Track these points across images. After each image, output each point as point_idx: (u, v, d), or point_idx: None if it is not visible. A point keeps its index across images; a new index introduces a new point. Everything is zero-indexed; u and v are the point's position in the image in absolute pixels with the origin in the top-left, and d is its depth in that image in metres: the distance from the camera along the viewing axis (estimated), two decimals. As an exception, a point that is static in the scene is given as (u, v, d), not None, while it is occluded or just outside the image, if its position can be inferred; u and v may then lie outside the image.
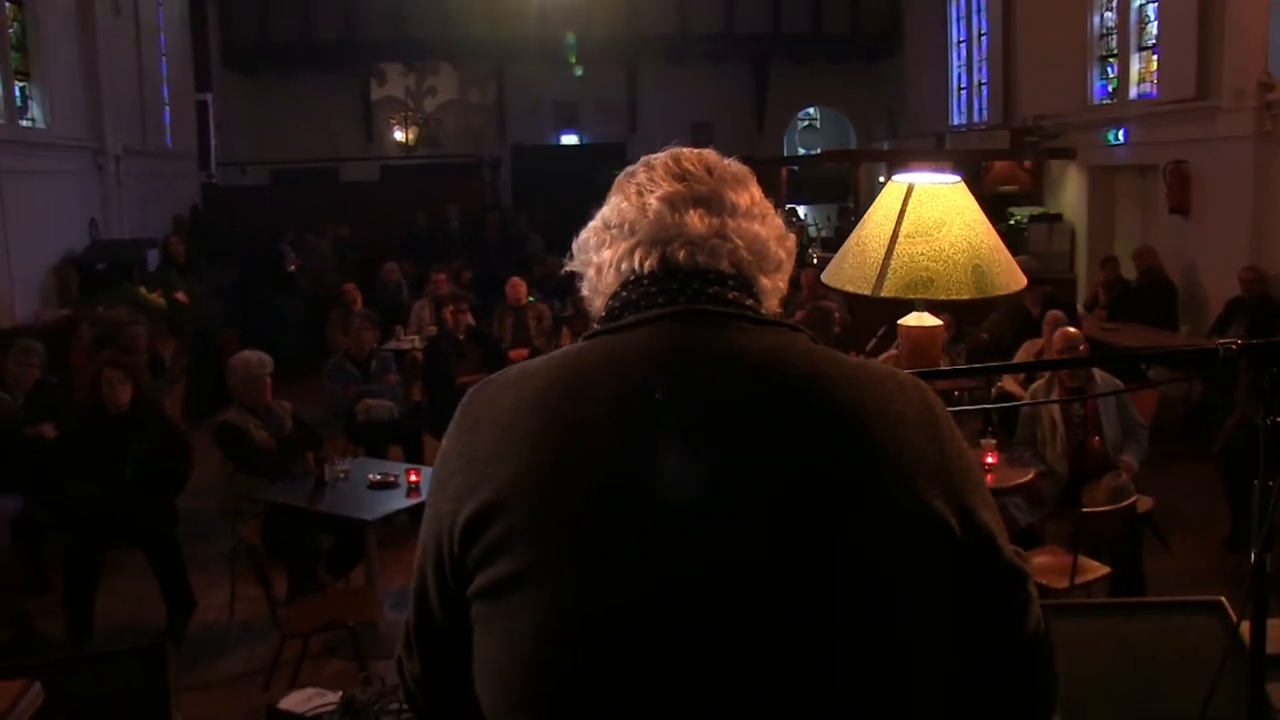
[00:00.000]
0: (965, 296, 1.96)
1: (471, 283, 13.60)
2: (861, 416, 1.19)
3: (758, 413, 1.18)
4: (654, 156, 1.39)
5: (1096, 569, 5.42)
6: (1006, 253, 2.04)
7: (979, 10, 16.17)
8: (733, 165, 1.39)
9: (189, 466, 6.43)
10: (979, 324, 10.30)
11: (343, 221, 15.38)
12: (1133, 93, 12.49)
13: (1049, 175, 14.24)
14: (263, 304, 13.27)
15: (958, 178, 2.09)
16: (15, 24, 11.38)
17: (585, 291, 1.38)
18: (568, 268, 1.40)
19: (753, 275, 1.32)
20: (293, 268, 13.80)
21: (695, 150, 1.40)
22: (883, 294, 1.97)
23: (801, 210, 19.51)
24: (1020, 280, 2.02)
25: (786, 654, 1.13)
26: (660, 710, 1.13)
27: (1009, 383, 8.38)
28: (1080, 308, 11.32)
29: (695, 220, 1.29)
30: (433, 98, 20.34)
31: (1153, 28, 12.00)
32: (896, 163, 17.00)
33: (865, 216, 2.09)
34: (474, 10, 18.03)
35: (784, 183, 17.49)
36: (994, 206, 14.31)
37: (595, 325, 1.32)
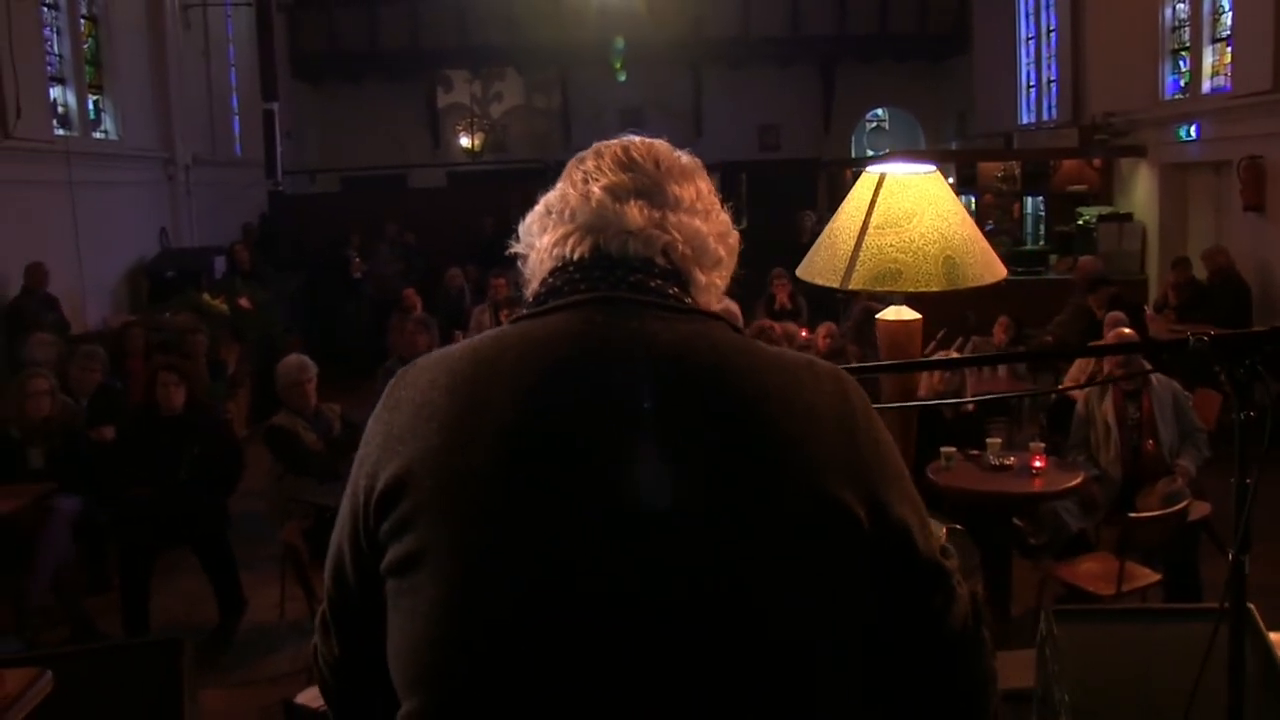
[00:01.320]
0: (935, 288, 1.91)
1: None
2: (766, 407, 1.18)
3: (660, 400, 1.17)
4: (606, 144, 1.39)
5: (1147, 576, 5.29)
6: (983, 243, 1.98)
7: (1048, 6, 15.89)
8: (682, 158, 1.39)
9: (240, 469, 6.53)
10: (1043, 326, 10.13)
11: (410, 228, 15.53)
12: (1205, 86, 12.18)
13: (1119, 174, 13.94)
14: (328, 310, 13.46)
15: (932, 167, 2.04)
16: (90, 39, 11.70)
17: (526, 275, 1.38)
18: (512, 250, 1.40)
19: (687, 269, 1.31)
20: (358, 274, 13.97)
21: (647, 141, 1.39)
22: (850, 286, 1.93)
23: (870, 212, 19.34)
24: (998, 272, 1.96)
25: (682, 639, 1.12)
26: (551, 695, 1.12)
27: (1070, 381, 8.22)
28: (1150, 309, 11.05)
29: (635, 212, 1.30)
30: (499, 104, 20.50)
31: (1227, 19, 11.68)
32: (963, 163, 16.81)
33: (840, 208, 2.06)
34: (539, 16, 18.12)
35: (847, 184, 17.32)
36: (1062, 206, 14.07)
37: (522, 310, 1.32)
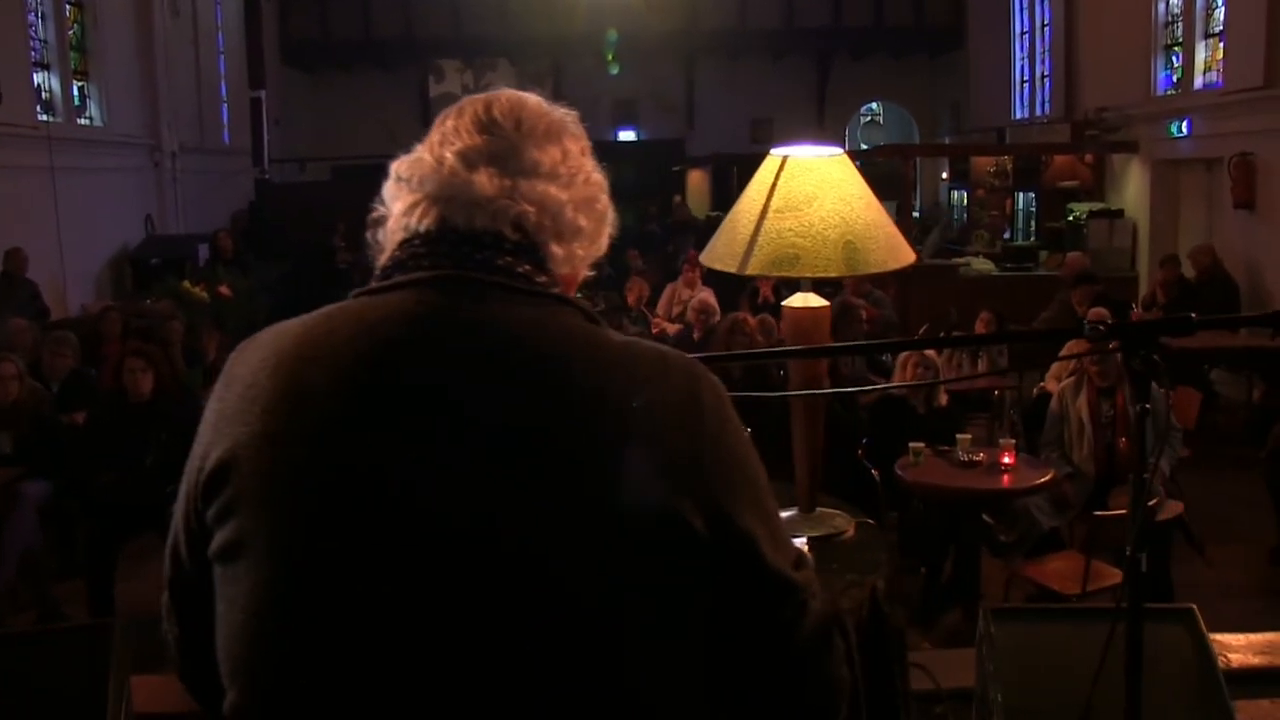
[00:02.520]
0: (834, 274, 1.86)
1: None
2: (596, 403, 1.11)
3: (485, 392, 1.11)
4: (471, 100, 1.32)
5: (1115, 575, 5.22)
6: (889, 229, 1.93)
7: (1042, 1, 15.82)
8: (553, 115, 1.31)
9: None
10: (1029, 323, 10.08)
11: (404, 218, 15.48)
12: (1198, 82, 12.12)
13: (1111, 170, 13.87)
14: (312, 299, 13.33)
15: (840, 150, 1.98)
16: (75, 25, 11.66)
17: (380, 244, 1.29)
18: (373, 215, 1.31)
19: (542, 241, 1.23)
20: (344, 264, 13.92)
21: (514, 97, 1.32)
22: (748, 271, 1.88)
23: (863, 207, 19.27)
24: (903, 258, 1.91)
25: (492, 643, 1.07)
26: (359, 693, 1.09)
27: (1051, 383, 8.18)
28: (1138, 307, 10.99)
29: (484, 180, 1.21)
30: (490, 94, 20.43)
31: (1219, 14, 11.62)
32: (956, 157, 16.77)
33: (744, 192, 2.00)
34: (532, 7, 18.06)
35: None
36: (1054, 202, 14.02)
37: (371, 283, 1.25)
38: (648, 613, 1.11)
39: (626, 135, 20.46)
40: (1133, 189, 13.40)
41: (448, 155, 1.24)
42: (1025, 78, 16.74)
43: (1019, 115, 16.84)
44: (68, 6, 11.29)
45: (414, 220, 1.23)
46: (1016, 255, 13.49)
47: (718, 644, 1.17)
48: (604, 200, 1.33)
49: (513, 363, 1.13)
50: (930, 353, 6.61)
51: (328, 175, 18.66)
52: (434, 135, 1.30)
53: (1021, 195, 15.59)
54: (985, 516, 5.91)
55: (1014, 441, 5.89)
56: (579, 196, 1.28)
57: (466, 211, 1.21)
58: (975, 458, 5.76)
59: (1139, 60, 13.03)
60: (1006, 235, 15.13)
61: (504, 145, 1.24)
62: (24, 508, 6.15)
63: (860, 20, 18.92)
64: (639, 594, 1.10)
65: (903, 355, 6.78)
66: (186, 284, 10.61)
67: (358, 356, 1.14)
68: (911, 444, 5.80)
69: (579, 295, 1.36)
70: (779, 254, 1.85)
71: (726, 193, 19.55)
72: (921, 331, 9.53)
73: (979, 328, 8.80)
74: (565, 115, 1.34)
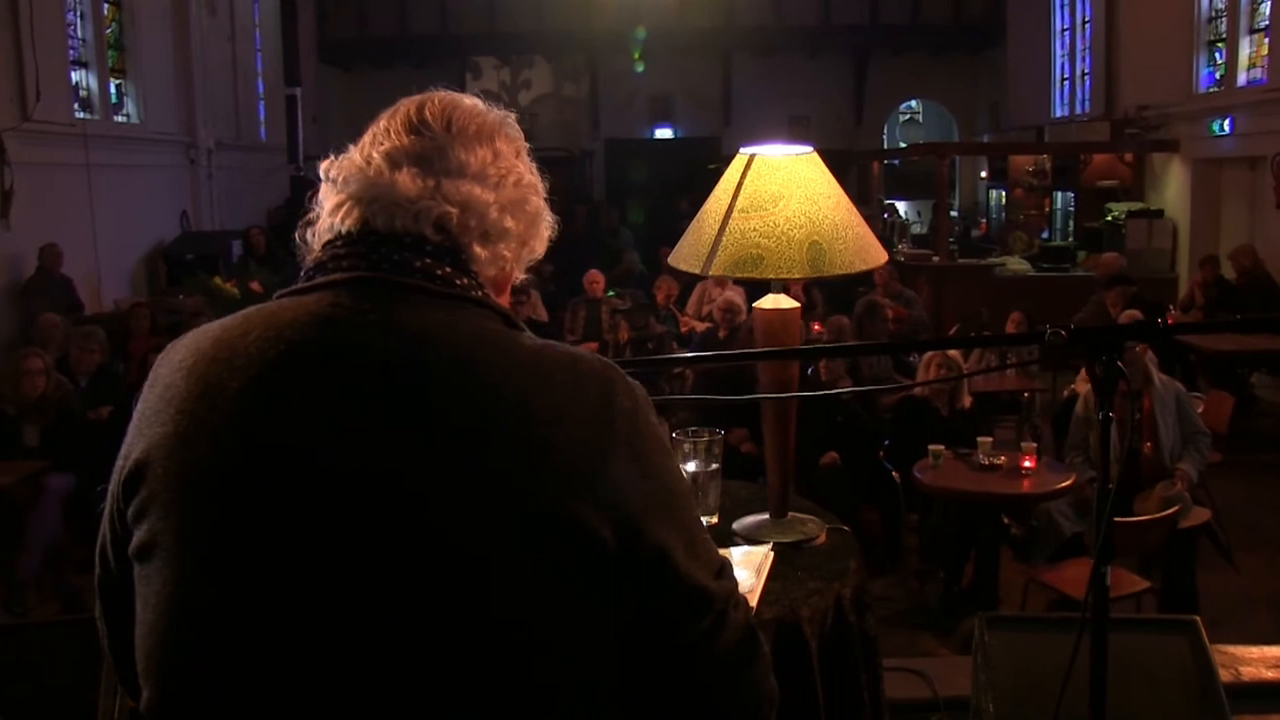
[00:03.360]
0: (798, 275, 1.82)
1: (553, 275, 13.61)
2: (495, 409, 1.10)
3: (388, 395, 1.11)
4: (409, 100, 1.32)
5: (1136, 583, 5.14)
6: (859, 229, 1.88)
7: (1084, -3, 15.63)
8: (485, 117, 1.31)
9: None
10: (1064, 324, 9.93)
11: (438, 215, 15.52)
12: (1241, 79, 11.93)
13: (1151, 169, 13.67)
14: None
15: (809, 148, 1.94)
16: (113, 24, 11.80)
17: (310, 243, 1.30)
18: (307, 216, 1.31)
19: (465, 242, 1.23)
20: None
21: (449, 98, 1.31)
22: (711, 272, 1.84)
23: (901, 206, 19.12)
24: (872, 259, 1.87)
25: (391, 647, 1.07)
26: (267, 691, 1.09)
27: (1080, 385, 8.07)
28: (1176, 309, 10.82)
29: (406, 180, 1.21)
30: (527, 91, 20.43)
31: (1265, 9, 11.41)
32: (995, 156, 16.59)
33: (712, 191, 1.97)
34: (568, 4, 18.06)
35: (877, 176, 17.14)
36: (1092, 202, 13.83)
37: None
38: (552, 620, 1.09)
39: (663, 133, 20.38)
40: (1173, 189, 13.20)
41: (375, 155, 1.25)
42: (1065, 75, 16.52)
43: (1058, 113, 16.63)
44: (106, 5, 11.42)
45: (338, 220, 1.24)
46: (1053, 255, 13.31)
47: (634, 654, 1.15)
48: (535, 202, 1.32)
49: (416, 366, 1.12)
50: (954, 353, 6.53)
51: (364, 172, 18.74)
52: (367, 135, 1.30)
53: (1060, 195, 15.41)
54: (1004, 517, 5.84)
55: (1035, 445, 5.81)
56: (507, 198, 1.27)
57: (388, 212, 1.21)
58: (996, 461, 5.68)
59: (1181, 57, 12.84)
60: (1044, 235, 14.95)
61: (431, 146, 1.25)
62: (49, 500, 6.24)
63: (897, 17, 18.72)
64: (541, 602, 1.08)
65: (927, 356, 6.71)
66: (218, 280, 10.70)
67: (266, 359, 1.14)
68: (931, 446, 5.73)
69: (511, 298, 1.35)
70: (742, 255, 1.82)
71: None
72: (952, 332, 9.42)
73: (1009, 329, 8.70)
74: (501, 117, 1.34)
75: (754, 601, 1.70)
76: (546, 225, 1.36)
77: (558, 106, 20.30)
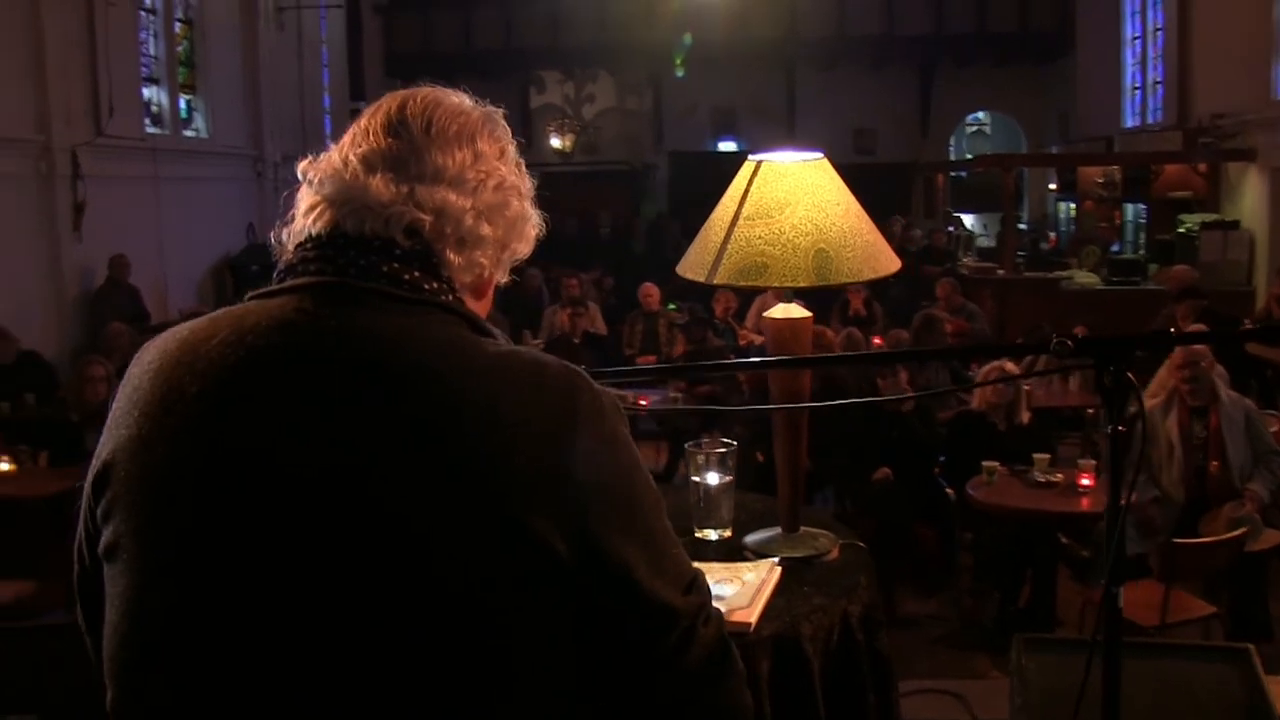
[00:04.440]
0: (803, 283, 1.77)
1: (614, 289, 13.62)
2: (452, 415, 1.09)
3: (343, 401, 1.10)
4: (393, 96, 1.31)
5: (1201, 608, 4.97)
6: (869, 237, 1.83)
7: (1155, 4, 15.30)
8: (468, 117, 1.28)
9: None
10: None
11: (498, 227, 15.57)
12: (1321, 86, 11.61)
13: (1226, 179, 13.33)
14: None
15: (819, 154, 1.90)
16: (184, 42, 12.05)
17: (285, 245, 1.29)
18: (287, 215, 1.31)
19: (438, 249, 1.22)
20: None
21: (432, 96, 1.29)
22: (716, 281, 1.80)
23: (969, 219, 18.89)
24: (882, 268, 1.81)
25: (344, 655, 1.07)
26: (227, 697, 1.10)
27: (1147, 399, 7.87)
28: (1251, 323, 10.52)
29: (379, 185, 1.21)
30: (591, 105, 20.52)
31: (1345, 13, 11.11)
32: (1063, 167, 16.31)
33: (720, 200, 1.94)
34: (631, 17, 18.09)
35: (942, 189, 16.95)
36: (1165, 213, 13.53)
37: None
38: (506, 629, 1.08)
39: (726, 146, 20.32)
40: (1249, 199, 12.86)
41: (352, 158, 1.24)
42: (1136, 84, 16.21)
43: (1129, 123, 16.30)
44: (177, 24, 11.68)
45: (309, 222, 1.24)
46: (1123, 268, 13.03)
47: (599, 670, 1.14)
48: (516, 206, 1.30)
49: (372, 372, 1.11)
50: (1011, 367, 6.40)
51: (430, 185, 18.92)
52: (348, 135, 1.29)
53: (1131, 206, 15.10)
54: (1062, 537, 5.70)
55: (1094, 462, 5.68)
56: (485, 203, 1.25)
57: (358, 216, 1.20)
58: (1052, 478, 5.57)
59: (1257, 64, 12.51)
60: (1115, 248, 14.67)
61: (407, 149, 1.23)
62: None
63: (963, 27, 18.47)
64: (495, 611, 1.07)
65: (984, 368, 6.59)
66: (280, 291, 10.83)
67: (226, 364, 1.15)
68: (985, 463, 5.63)
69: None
70: (747, 263, 1.78)
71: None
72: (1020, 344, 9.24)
73: (1072, 343, 8.52)
74: (484, 115, 1.32)
75: (753, 617, 1.65)
76: (532, 226, 1.34)
77: (621, 120, 20.36)
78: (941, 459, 6.41)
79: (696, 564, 1.87)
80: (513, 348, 1.18)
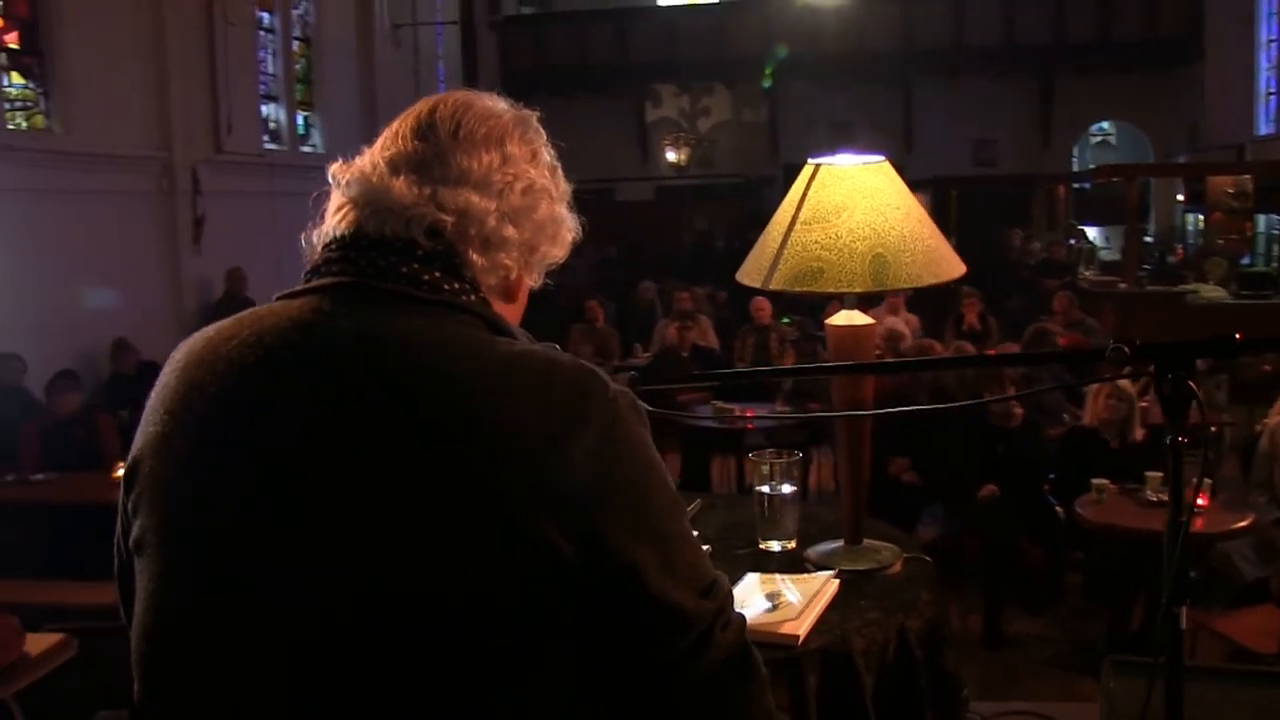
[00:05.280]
0: (859, 289, 1.73)
1: (727, 303, 13.57)
2: (458, 416, 1.08)
3: (350, 401, 1.11)
4: (428, 100, 1.32)
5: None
6: (930, 242, 1.78)
7: (1291, 7, 14.75)
8: (499, 120, 1.29)
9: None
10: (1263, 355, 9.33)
11: (614, 241, 15.63)
12: None
13: (1367, 188, 12.78)
14: (520, 319, 13.69)
15: (880, 158, 1.85)
16: (302, 60, 12.40)
17: (314, 245, 1.31)
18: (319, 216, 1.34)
19: (461, 250, 1.22)
20: (550, 284, 14.16)
21: (463, 100, 1.30)
22: (771, 286, 1.77)
23: (1093, 231, 18.39)
24: (944, 273, 1.75)
25: (345, 655, 1.07)
26: (236, 689, 1.12)
27: (1273, 417, 7.57)
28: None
29: (402, 186, 1.21)
30: (706, 118, 20.50)
31: None
32: (1191, 177, 15.77)
33: (780, 204, 1.90)
34: (747, 30, 18.06)
35: (1063, 200, 16.52)
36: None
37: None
38: (511, 633, 1.07)
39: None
40: (1391, 209, 12.31)
41: (380, 161, 1.26)
42: (1270, 90, 15.61)
43: (1262, 131, 15.71)
44: (295, 43, 12.02)
45: (335, 223, 1.25)
46: (1254, 281, 12.53)
47: (612, 674, 1.12)
48: (546, 208, 1.30)
49: (381, 372, 1.12)
50: (1124, 383, 6.19)
51: (545, 198, 19.09)
52: (380, 139, 1.31)
53: (1263, 218, 14.54)
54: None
55: (1210, 482, 5.46)
56: (511, 206, 1.25)
57: (379, 217, 1.21)
58: (1164, 497, 5.34)
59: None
60: (1245, 260, 14.13)
61: (433, 152, 1.24)
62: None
63: (1085, 35, 17.94)
64: (500, 613, 1.06)
65: (1095, 385, 6.40)
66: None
67: (244, 363, 1.17)
68: (1094, 480, 5.45)
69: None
70: (802, 268, 1.74)
71: (946, 216, 19.00)
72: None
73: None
74: (516, 118, 1.32)
75: (802, 629, 1.61)
76: (567, 230, 1.34)
77: (737, 133, 20.30)
78: (1051, 476, 6.24)
79: (754, 574, 1.86)
80: (528, 347, 1.17)
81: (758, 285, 1.80)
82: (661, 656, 1.11)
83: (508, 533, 1.05)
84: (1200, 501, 5.26)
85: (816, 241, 1.76)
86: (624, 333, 11.86)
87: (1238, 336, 1.41)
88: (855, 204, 1.76)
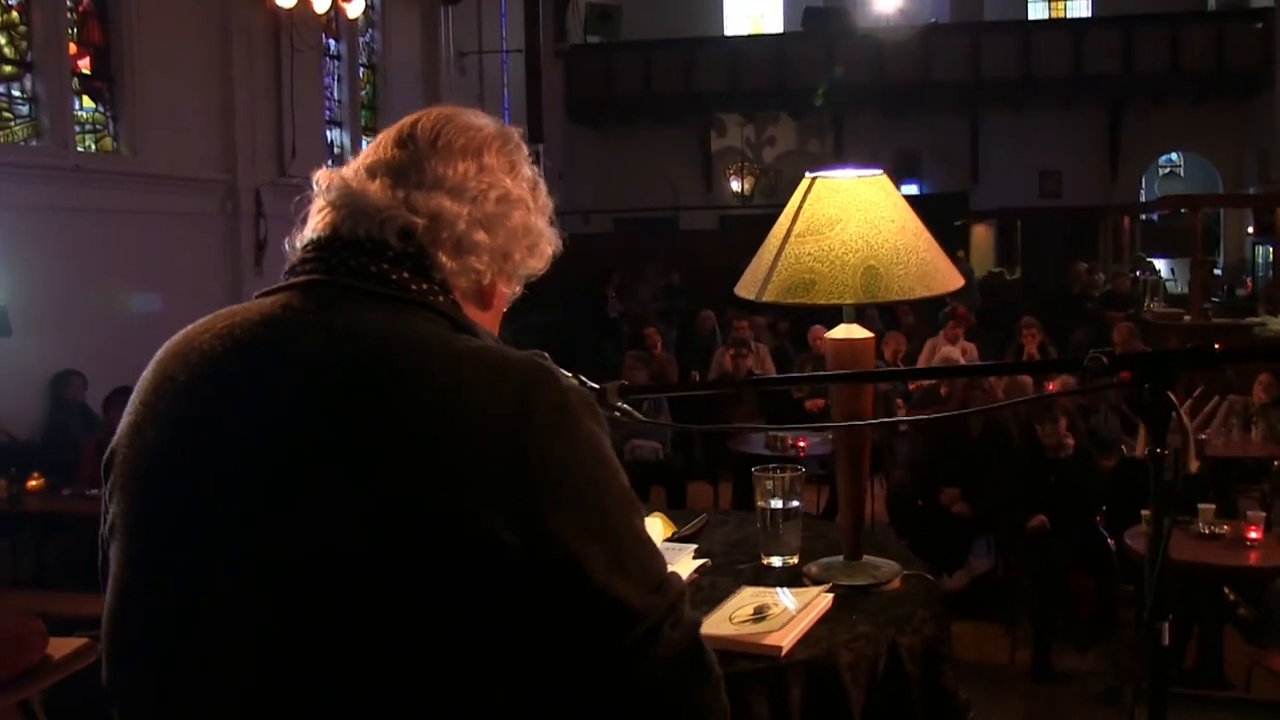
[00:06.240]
0: (850, 300, 1.72)
1: (788, 332, 13.52)
2: (408, 406, 1.11)
3: (310, 391, 1.14)
4: (413, 115, 1.36)
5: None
6: (926, 254, 1.77)
7: (1366, 38, 14.44)
8: (480, 133, 1.33)
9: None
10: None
11: (678, 269, 15.65)
12: None
13: None
14: (586, 346, 13.75)
15: (878, 171, 1.85)
16: (368, 86, 12.62)
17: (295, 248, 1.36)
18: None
19: (432, 252, 1.26)
20: (614, 312, 14.24)
21: (445, 113, 1.35)
22: (765, 298, 1.77)
23: (1162, 264, 18.10)
24: (939, 286, 1.74)
25: (295, 642, 1.09)
26: (195, 678, 1.14)
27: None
28: None
29: (377, 190, 1.26)
30: (771, 148, 20.51)
31: None
32: (1261, 209, 15.47)
33: (779, 219, 1.91)
34: (811, 60, 18.07)
35: (1128, 232, 16.29)
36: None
37: None
38: (448, 622, 1.08)
39: (909, 189, 20.02)
40: None
41: (360, 167, 1.31)
42: (1345, 122, 15.30)
43: (1337, 163, 15.40)
44: (361, 69, 12.23)
45: (314, 226, 1.29)
46: (1323, 314, 12.26)
47: (557, 671, 1.12)
48: (519, 218, 1.32)
49: (337, 364, 1.15)
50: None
51: (610, 227, 19.24)
52: (366, 148, 1.36)
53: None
54: (1228, 593, 5.37)
55: (1264, 514, 5.34)
56: (485, 212, 1.29)
57: (354, 219, 1.25)
58: (1218, 530, 5.25)
59: None
60: (1318, 293, 13.80)
61: (410, 159, 1.29)
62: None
63: (1155, 65, 17.74)
64: (440, 603, 1.08)
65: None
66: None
67: (213, 354, 1.21)
68: (1144, 511, 5.35)
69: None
70: (795, 279, 1.75)
71: (1010, 247, 18.81)
72: (1197, 393, 8.80)
73: (1257, 390, 8.08)
74: (499, 133, 1.36)
75: (785, 640, 1.61)
76: (546, 243, 1.37)
77: (802, 163, 20.23)
78: (1104, 508, 6.14)
79: (748, 588, 1.85)
80: (485, 344, 1.20)
81: (751, 297, 1.81)
82: (608, 651, 1.12)
83: (452, 518, 1.07)
84: (1253, 534, 5.16)
85: (809, 254, 1.76)
86: (683, 360, 11.88)
87: (1217, 346, 1.38)
88: (849, 217, 1.77)
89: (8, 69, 8.39)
